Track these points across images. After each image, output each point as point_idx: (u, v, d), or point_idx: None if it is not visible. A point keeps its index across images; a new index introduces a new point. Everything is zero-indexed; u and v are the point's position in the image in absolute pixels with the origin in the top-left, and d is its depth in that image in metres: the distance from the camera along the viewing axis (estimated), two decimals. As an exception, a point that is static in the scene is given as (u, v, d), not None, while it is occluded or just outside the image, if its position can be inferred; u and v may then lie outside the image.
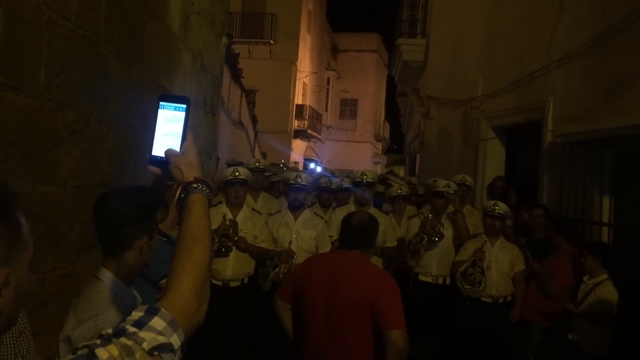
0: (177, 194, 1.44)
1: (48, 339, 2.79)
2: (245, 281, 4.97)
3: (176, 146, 1.48)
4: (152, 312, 1.12)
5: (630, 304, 4.05)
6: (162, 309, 1.13)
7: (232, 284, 4.84)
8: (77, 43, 2.85)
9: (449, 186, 5.67)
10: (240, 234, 4.81)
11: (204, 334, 4.51)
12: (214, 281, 4.77)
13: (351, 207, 5.55)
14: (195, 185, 1.43)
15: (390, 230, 5.61)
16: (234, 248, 4.74)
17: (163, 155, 1.48)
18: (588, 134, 5.14)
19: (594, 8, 5.36)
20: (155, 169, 1.50)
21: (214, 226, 4.64)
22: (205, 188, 1.44)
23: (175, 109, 1.51)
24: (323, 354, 2.95)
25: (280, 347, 4.70)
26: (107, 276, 1.93)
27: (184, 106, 1.51)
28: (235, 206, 4.97)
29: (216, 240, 4.59)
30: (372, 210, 5.58)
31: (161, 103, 1.51)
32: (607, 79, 5.02)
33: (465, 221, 5.66)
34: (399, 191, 6.35)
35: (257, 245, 4.96)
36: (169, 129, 1.50)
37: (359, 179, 5.68)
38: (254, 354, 4.99)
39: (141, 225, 1.94)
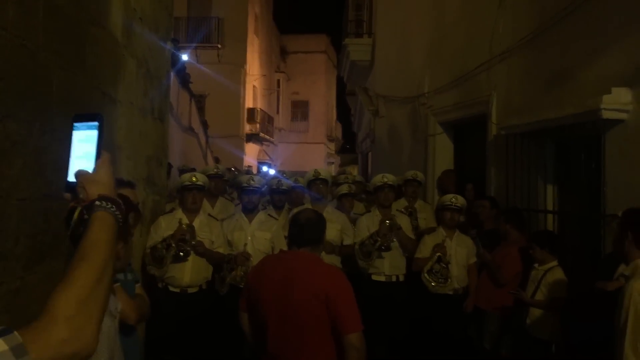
0: (76, 215, 1.35)
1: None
2: (204, 287, 4.93)
3: (90, 167, 1.38)
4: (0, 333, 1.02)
5: (577, 288, 4.19)
6: (15, 332, 1.03)
7: (190, 290, 4.80)
8: (15, 52, 2.77)
9: (386, 177, 5.66)
10: (197, 239, 4.78)
11: (164, 340, 4.46)
12: (171, 289, 4.73)
13: (307, 207, 5.54)
14: (98, 203, 1.32)
15: (347, 228, 5.61)
16: (192, 253, 4.70)
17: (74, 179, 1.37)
18: (530, 125, 5.29)
19: (532, 3, 5.54)
20: (68, 196, 1.41)
21: (170, 232, 4.59)
22: (110, 206, 1.33)
23: (87, 128, 1.40)
24: (282, 357, 2.93)
25: (240, 352, 4.69)
26: None
27: (96, 123, 1.40)
28: (192, 212, 4.94)
29: (173, 245, 4.55)
30: (329, 209, 5.61)
31: (75, 124, 1.41)
32: (546, 71, 5.20)
33: (406, 234, 5.52)
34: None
35: (214, 250, 4.94)
36: (82, 151, 1.40)
37: (313, 177, 5.70)
38: (214, 360, 4.95)
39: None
